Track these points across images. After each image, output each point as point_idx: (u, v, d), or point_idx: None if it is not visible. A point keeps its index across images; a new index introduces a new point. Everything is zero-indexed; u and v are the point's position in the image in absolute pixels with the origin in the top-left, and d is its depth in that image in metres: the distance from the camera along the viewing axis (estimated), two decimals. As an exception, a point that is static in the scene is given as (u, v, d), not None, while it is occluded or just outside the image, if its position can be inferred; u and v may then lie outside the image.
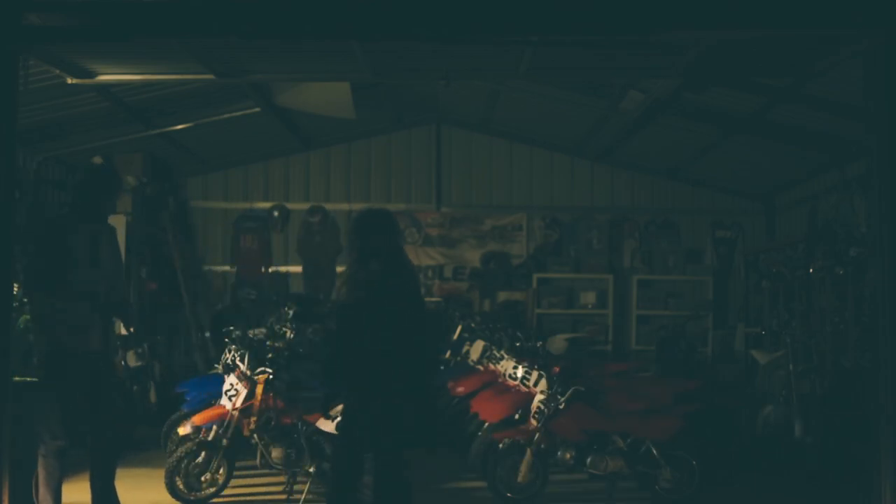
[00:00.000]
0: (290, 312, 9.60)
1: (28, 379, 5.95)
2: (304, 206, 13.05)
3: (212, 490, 6.89)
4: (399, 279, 5.27)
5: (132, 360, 9.67)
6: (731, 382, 10.84)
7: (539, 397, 7.13)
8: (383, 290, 5.17)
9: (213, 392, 7.47)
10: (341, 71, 8.66)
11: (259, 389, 6.97)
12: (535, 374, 7.62)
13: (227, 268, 13.10)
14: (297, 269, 13.09)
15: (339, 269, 12.93)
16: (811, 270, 9.68)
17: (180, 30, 5.88)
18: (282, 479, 7.28)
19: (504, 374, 8.04)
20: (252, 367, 7.09)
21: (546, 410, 7.00)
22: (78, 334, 5.79)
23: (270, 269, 13.08)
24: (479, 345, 9.06)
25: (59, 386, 5.77)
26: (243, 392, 6.97)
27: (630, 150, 12.41)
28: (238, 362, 7.15)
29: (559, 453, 7.01)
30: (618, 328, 12.86)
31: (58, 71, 7.89)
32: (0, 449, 5.21)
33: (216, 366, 7.78)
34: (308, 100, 10.33)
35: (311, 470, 6.89)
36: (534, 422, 7.05)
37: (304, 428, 6.95)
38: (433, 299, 12.90)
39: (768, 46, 7.27)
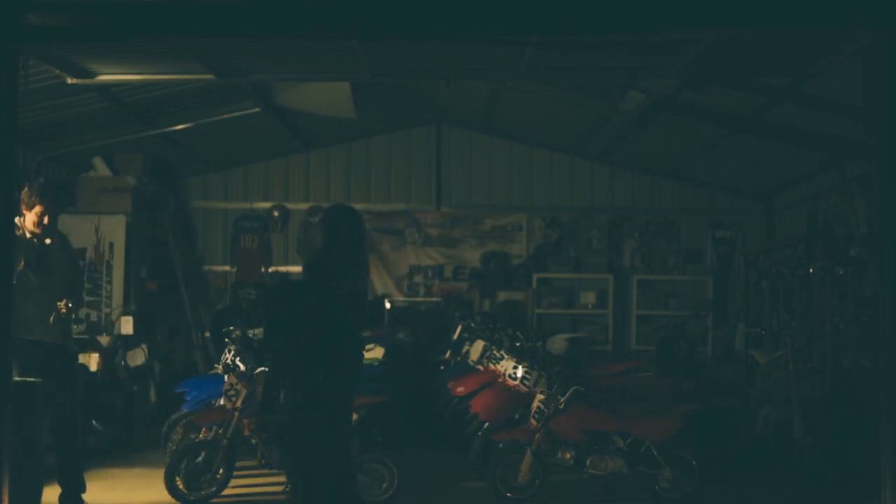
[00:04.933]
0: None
1: (28, 379, 5.95)
2: (304, 206, 13.04)
3: (212, 490, 6.89)
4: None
5: (132, 360, 9.67)
6: (731, 382, 10.83)
7: (539, 397, 7.13)
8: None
9: (213, 392, 7.47)
10: (341, 71, 8.65)
11: (259, 389, 6.97)
12: (535, 374, 7.62)
13: (227, 268, 13.09)
14: (297, 269, 13.05)
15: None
16: (811, 270, 9.67)
17: (180, 30, 5.89)
18: (282, 479, 7.27)
19: (504, 374, 8.04)
20: (252, 367, 7.08)
21: (546, 410, 7.00)
22: None
23: (270, 269, 13.08)
24: (479, 345, 9.05)
25: None
26: (243, 392, 6.97)
27: (630, 150, 12.41)
28: (238, 362, 7.15)
29: (559, 453, 7.01)
30: (618, 328, 12.85)
31: (58, 71, 7.88)
32: (0, 449, 5.21)
33: (216, 366, 7.78)
34: (308, 100, 10.32)
35: (311, 470, 6.88)
36: (534, 422, 7.05)
37: (304, 428, 6.94)
38: (433, 299, 12.92)
39: (768, 46, 7.26)
